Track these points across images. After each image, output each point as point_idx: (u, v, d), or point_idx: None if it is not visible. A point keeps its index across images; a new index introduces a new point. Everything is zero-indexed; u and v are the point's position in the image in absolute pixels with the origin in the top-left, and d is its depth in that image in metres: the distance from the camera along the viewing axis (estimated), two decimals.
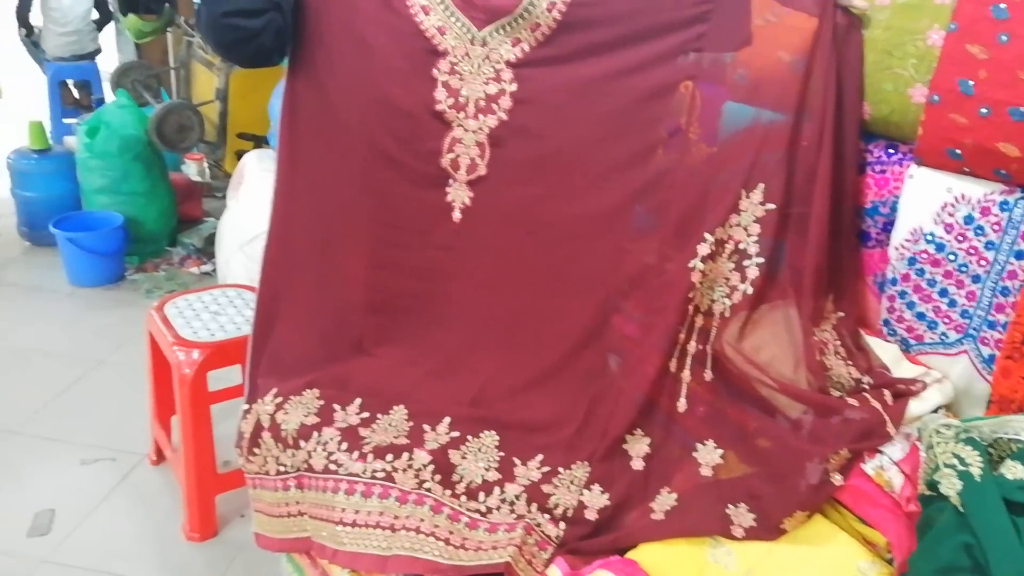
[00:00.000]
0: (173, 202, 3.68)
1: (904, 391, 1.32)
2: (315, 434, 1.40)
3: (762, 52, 1.41)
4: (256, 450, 1.46)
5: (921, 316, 1.38)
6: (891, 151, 1.42)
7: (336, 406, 1.45)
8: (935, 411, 1.31)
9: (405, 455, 1.35)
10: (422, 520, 1.29)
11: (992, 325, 1.30)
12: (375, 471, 1.34)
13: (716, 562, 1.19)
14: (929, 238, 1.33)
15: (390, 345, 1.58)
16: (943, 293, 1.35)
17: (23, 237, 3.75)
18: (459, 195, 1.55)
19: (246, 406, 1.52)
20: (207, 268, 3.49)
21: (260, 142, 3.54)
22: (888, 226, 1.42)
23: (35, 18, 5.25)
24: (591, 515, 1.29)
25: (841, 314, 1.42)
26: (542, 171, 1.53)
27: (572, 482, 1.33)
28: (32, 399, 2.53)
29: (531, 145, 1.53)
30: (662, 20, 1.44)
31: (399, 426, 1.41)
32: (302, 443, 1.40)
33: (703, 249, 1.39)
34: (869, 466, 1.24)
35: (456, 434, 1.39)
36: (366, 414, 1.43)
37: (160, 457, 2.26)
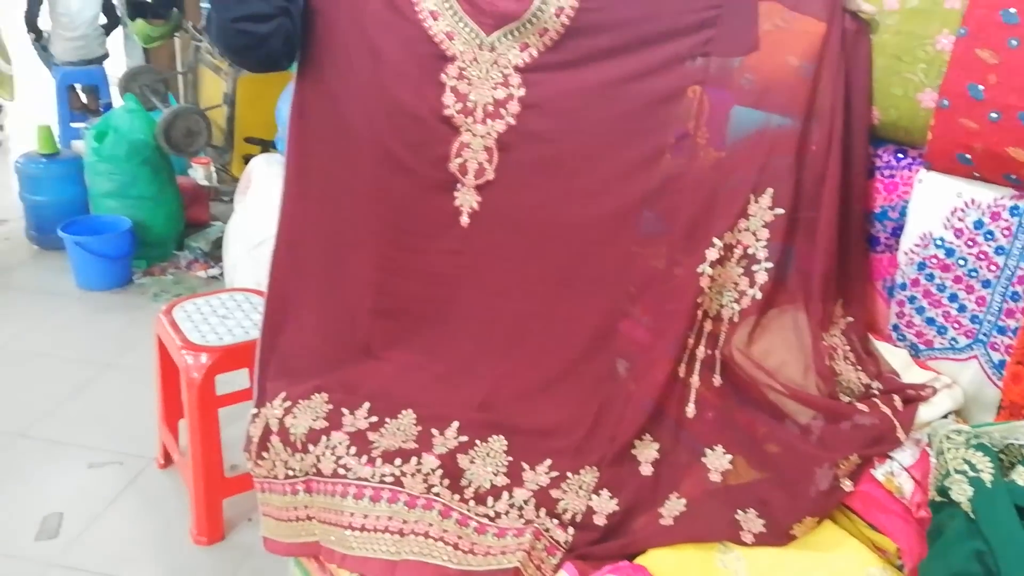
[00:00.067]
0: (180, 206, 3.69)
1: (914, 396, 1.31)
2: (324, 438, 1.41)
3: (770, 57, 1.41)
4: (265, 454, 1.47)
5: (931, 321, 1.38)
6: (900, 156, 1.42)
7: (345, 410, 1.45)
8: (945, 417, 1.31)
9: (414, 459, 1.35)
10: (431, 525, 1.29)
11: (1002, 330, 1.29)
12: (384, 475, 1.34)
13: (726, 568, 1.19)
14: (939, 243, 1.33)
15: (398, 349, 1.58)
16: (953, 298, 1.34)
17: (31, 241, 3.77)
18: (467, 199, 1.55)
19: (254, 410, 1.52)
20: (214, 272, 3.50)
21: (267, 146, 3.55)
22: (897, 231, 1.42)
23: (43, 23, 5.28)
24: (600, 520, 1.29)
25: (850, 319, 1.42)
26: (550, 175, 1.53)
27: (581, 487, 1.33)
28: (40, 402, 2.54)
29: (539, 150, 1.53)
30: (670, 25, 1.44)
31: (407, 430, 1.41)
32: (311, 447, 1.41)
33: (712, 254, 1.39)
34: (879, 472, 1.24)
35: (464, 438, 1.39)
36: (375, 418, 1.43)
37: (168, 461, 2.27)
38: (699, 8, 1.43)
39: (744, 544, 1.22)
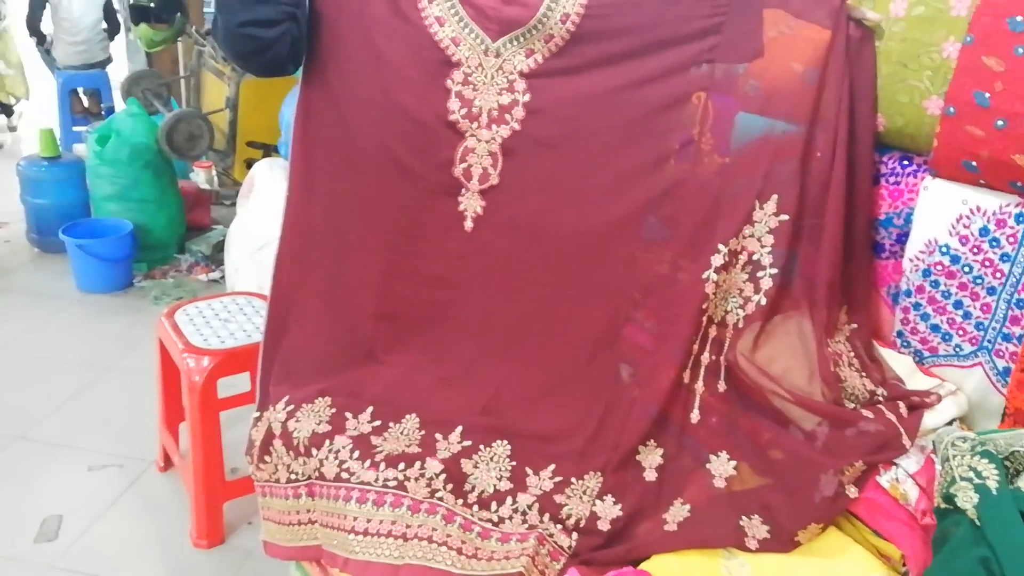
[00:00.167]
0: (182, 210, 3.70)
1: (919, 403, 1.31)
2: (327, 442, 1.40)
3: (775, 63, 1.41)
4: (267, 458, 1.46)
5: (935, 328, 1.38)
6: (905, 162, 1.42)
7: (348, 414, 1.44)
8: (949, 423, 1.31)
9: (417, 464, 1.35)
10: (434, 529, 1.29)
11: (1007, 338, 1.29)
12: (387, 480, 1.34)
13: (730, 574, 1.19)
14: (944, 250, 1.33)
15: (401, 353, 1.58)
16: (958, 305, 1.34)
17: (32, 244, 3.77)
18: (471, 204, 1.55)
19: (257, 413, 1.52)
20: (215, 275, 3.50)
21: (269, 151, 3.55)
22: (902, 237, 1.42)
23: (46, 27, 5.30)
24: (604, 526, 1.28)
25: (855, 325, 1.42)
26: (554, 181, 1.53)
27: (585, 492, 1.32)
28: (40, 405, 2.53)
29: (543, 155, 1.53)
30: (675, 32, 1.45)
31: (411, 435, 1.41)
32: (314, 451, 1.40)
33: (717, 260, 1.39)
34: (884, 478, 1.24)
35: (468, 443, 1.39)
36: (378, 422, 1.43)
37: (168, 464, 2.26)
38: (704, 15, 1.43)
39: (748, 550, 1.21)
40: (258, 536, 1.53)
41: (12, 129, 5.94)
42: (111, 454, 2.32)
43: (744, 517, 1.24)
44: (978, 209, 1.29)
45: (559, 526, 1.29)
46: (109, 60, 5.38)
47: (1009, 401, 1.29)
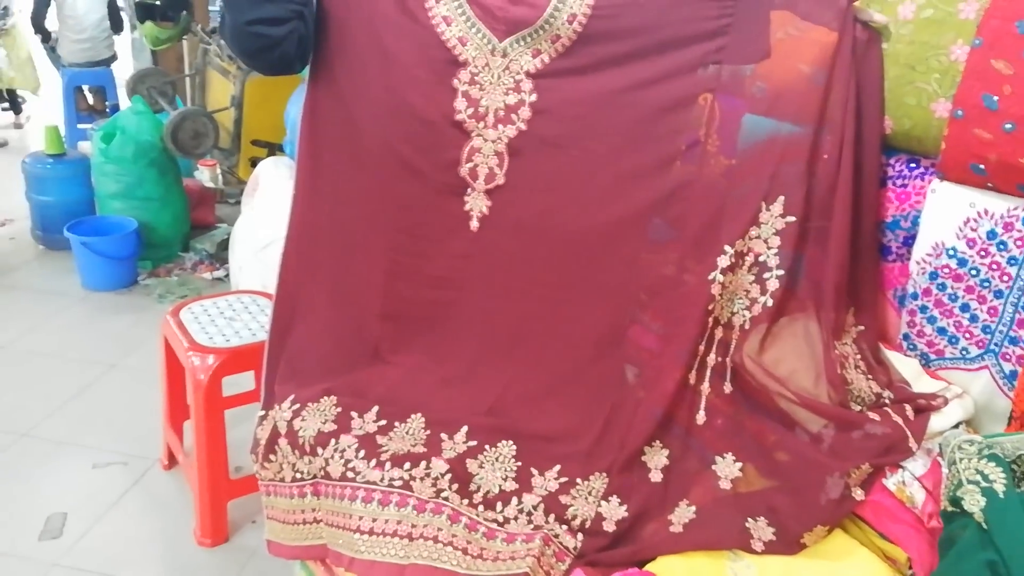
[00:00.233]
0: (186, 208, 3.70)
1: (925, 406, 1.31)
2: (333, 441, 1.40)
3: (782, 65, 1.41)
4: (272, 457, 1.46)
5: (942, 331, 1.38)
6: (912, 165, 1.42)
7: (354, 413, 1.44)
8: (956, 427, 1.30)
9: (423, 463, 1.35)
10: (440, 529, 1.29)
11: (1014, 341, 1.29)
12: (393, 479, 1.34)
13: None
14: (951, 253, 1.33)
15: (407, 353, 1.58)
16: (964, 308, 1.34)
17: (37, 241, 3.77)
18: (477, 204, 1.55)
19: (262, 412, 1.52)
20: (219, 274, 3.50)
21: (274, 149, 3.55)
22: (909, 240, 1.42)
23: (51, 24, 5.31)
24: (609, 527, 1.29)
25: (862, 327, 1.42)
26: (560, 181, 1.53)
27: (590, 493, 1.32)
28: (44, 402, 2.54)
29: (550, 155, 1.53)
30: (682, 33, 1.45)
31: (416, 434, 1.41)
32: (319, 450, 1.40)
33: (723, 261, 1.39)
34: (890, 481, 1.23)
35: (473, 443, 1.39)
36: (383, 422, 1.43)
37: (172, 462, 2.26)
38: (711, 16, 1.43)
39: (754, 552, 1.21)
40: (262, 535, 1.53)
41: (18, 126, 5.96)
42: (115, 452, 2.32)
43: (750, 519, 1.24)
44: (985, 212, 1.29)
45: (564, 527, 1.29)
46: (114, 58, 5.39)
47: (1016, 404, 1.28)
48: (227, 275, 3.34)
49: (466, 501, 1.32)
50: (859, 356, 1.38)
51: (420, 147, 1.55)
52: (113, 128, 3.45)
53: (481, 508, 1.31)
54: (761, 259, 1.40)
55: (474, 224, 1.56)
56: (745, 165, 1.43)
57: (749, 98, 1.43)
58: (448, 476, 1.33)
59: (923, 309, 1.39)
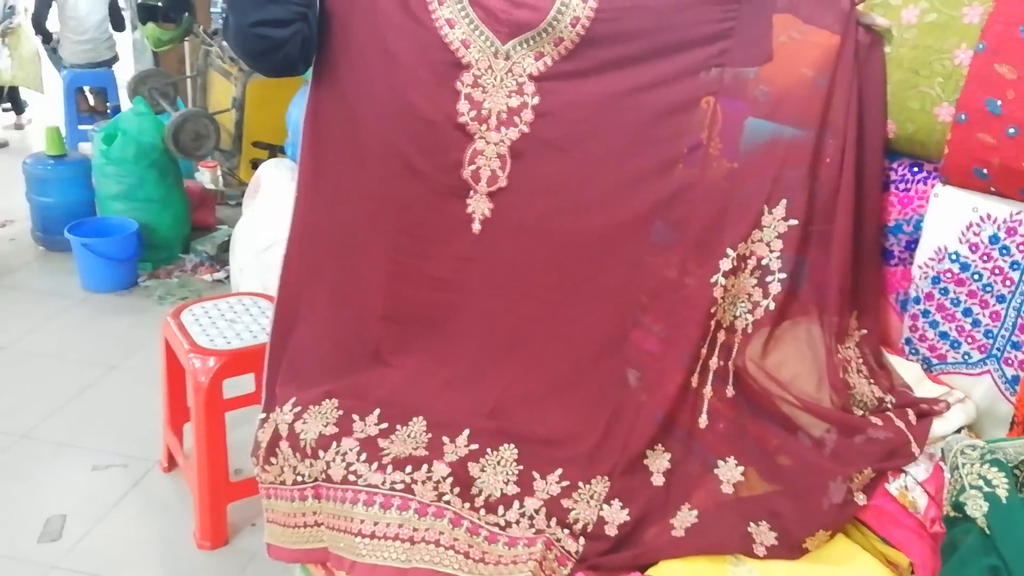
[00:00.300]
0: (187, 209, 3.70)
1: (927, 411, 1.31)
2: (334, 444, 1.40)
3: (785, 68, 1.41)
4: (273, 459, 1.46)
5: (944, 335, 1.38)
6: (915, 169, 1.42)
7: (355, 416, 1.44)
8: (958, 431, 1.30)
9: (424, 467, 1.35)
10: (441, 533, 1.28)
11: (1016, 346, 1.29)
12: (394, 482, 1.34)
13: None
14: (954, 257, 1.33)
15: (408, 355, 1.58)
16: (967, 313, 1.34)
17: (37, 242, 3.77)
18: (479, 206, 1.55)
19: (263, 415, 1.51)
20: (220, 275, 3.50)
21: (275, 151, 3.55)
22: (911, 244, 1.42)
23: (52, 25, 5.31)
24: (611, 531, 1.28)
25: (864, 331, 1.42)
26: (563, 183, 1.53)
27: (592, 497, 1.32)
28: (44, 404, 2.53)
29: (552, 158, 1.53)
30: (685, 36, 1.45)
31: (418, 437, 1.41)
32: (321, 453, 1.40)
33: (725, 264, 1.39)
34: (893, 486, 1.23)
35: (475, 447, 1.38)
36: (385, 425, 1.43)
37: (172, 464, 2.26)
38: (714, 19, 1.43)
39: (756, 557, 1.21)
40: (262, 538, 1.53)
41: (19, 127, 5.96)
42: (115, 454, 2.32)
43: (752, 523, 1.23)
44: (988, 217, 1.29)
45: (566, 531, 1.29)
46: (115, 59, 5.39)
47: (1018, 409, 1.28)
48: (227, 277, 3.34)
49: (468, 505, 1.31)
50: (861, 360, 1.38)
51: (423, 148, 1.55)
52: (114, 129, 3.45)
53: (483, 512, 1.31)
54: (763, 262, 1.40)
55: (476, 227, 1.56)
56: (747, 168, 1.43)
57: (751, 101, 1.43)
58: (450, 480, 1.33)
59: (925, 313, 1.39)
